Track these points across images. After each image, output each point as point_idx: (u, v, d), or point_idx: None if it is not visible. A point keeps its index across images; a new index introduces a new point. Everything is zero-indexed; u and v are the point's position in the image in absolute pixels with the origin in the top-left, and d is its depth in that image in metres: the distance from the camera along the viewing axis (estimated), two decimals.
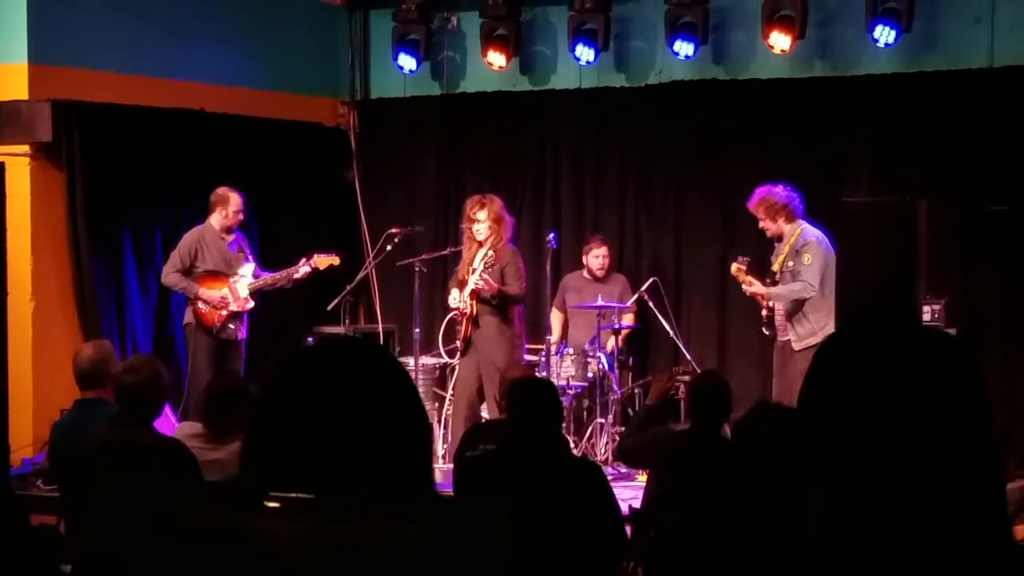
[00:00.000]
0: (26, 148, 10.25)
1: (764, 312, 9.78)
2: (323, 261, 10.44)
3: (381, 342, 11.61)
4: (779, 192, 9.63)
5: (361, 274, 11.30)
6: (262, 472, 1.69)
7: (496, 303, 9.76)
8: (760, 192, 9.71)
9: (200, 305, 10.15)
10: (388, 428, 1.77)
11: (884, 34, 10.52)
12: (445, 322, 10.82)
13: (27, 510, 6.56)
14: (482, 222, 9.84)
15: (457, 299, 9.90)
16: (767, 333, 9.86)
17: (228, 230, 10.30)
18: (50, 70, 10.30)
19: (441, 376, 11.29)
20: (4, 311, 10.20)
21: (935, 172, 10.36)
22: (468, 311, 9.82)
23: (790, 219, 9.61)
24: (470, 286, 9.78)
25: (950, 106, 10.50)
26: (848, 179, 10.82)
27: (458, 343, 10.10)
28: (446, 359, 10.98)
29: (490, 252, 9.78)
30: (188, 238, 10.26)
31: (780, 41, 10.83)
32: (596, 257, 11.23)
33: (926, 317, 9.62)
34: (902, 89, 10.70)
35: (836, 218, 9.64)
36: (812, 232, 9.59)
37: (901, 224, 8.56)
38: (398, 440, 1.78)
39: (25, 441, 9.92)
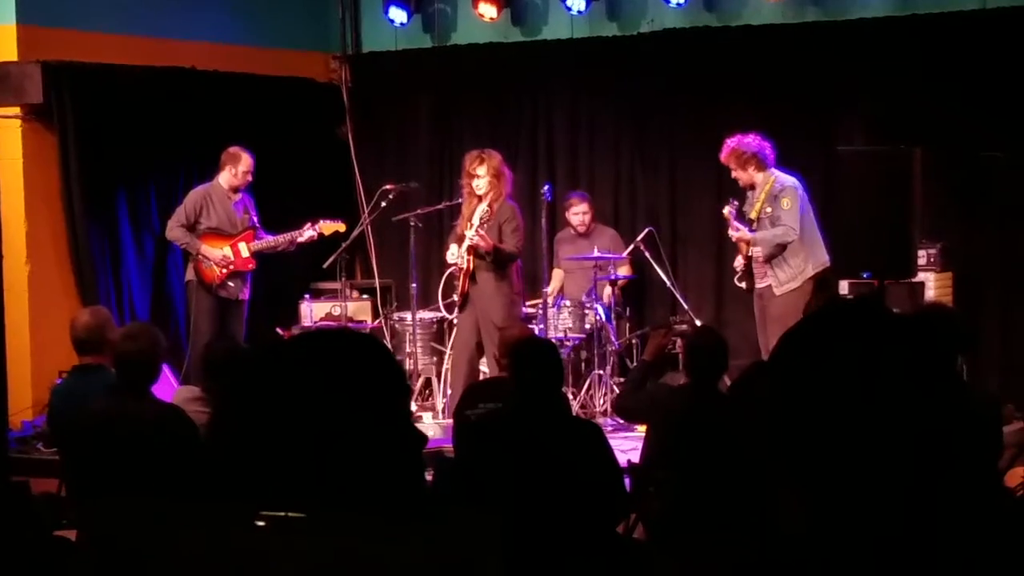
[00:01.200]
0: (17, 111, 10.21)
1: (741, 262, 9.81)
2: (328, 227, 10.44)
3: (378, 299, 11.64)
4: (749, 141, 9.65)
5: (356, 231, 11.27)
6: (239, 471, 1.69)
7: (492, 259, 9.75)
8: (730, 142, 9.73)
9: (201, 261, 10.13)
10: (372, 426, 1.77)
11: None
12: (444, 277, 10.81)
13: (23, 480, 6.59)
14: (481, 177, 9.81)
15: (455, 255, 9.88)
16: (741, 285, 9.90)
17: (235, 190, 10.27)
18: (39, 31, 10.24)
19: (439, 331, 11.31)
20: (0, 275, 10.26)
21: (929, 117, 10.32)
22: (465, 267, 9.82)
23: (761, 168, 9.65)
24: (467, 242, 9.77)
25: (943, 50, 10.45)
26: (842, 125, 10.81)
27: (455, 298, 10.11)
28: (444, 314, 10.98)
29: (485, 207, 9.76)
30: (194, 194, 10.24)
31: None
32: (576, 215, 11.20)
33: (921, 262, 9.61)
34: (895, 33, 10.65)
35: (831, 166, 9.65)
36: (787, 178, 9.66)
37: (897, 172, 8.53)
38: (383, 440, 1.78)
39: (24, 404, 9.95)
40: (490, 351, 9.62)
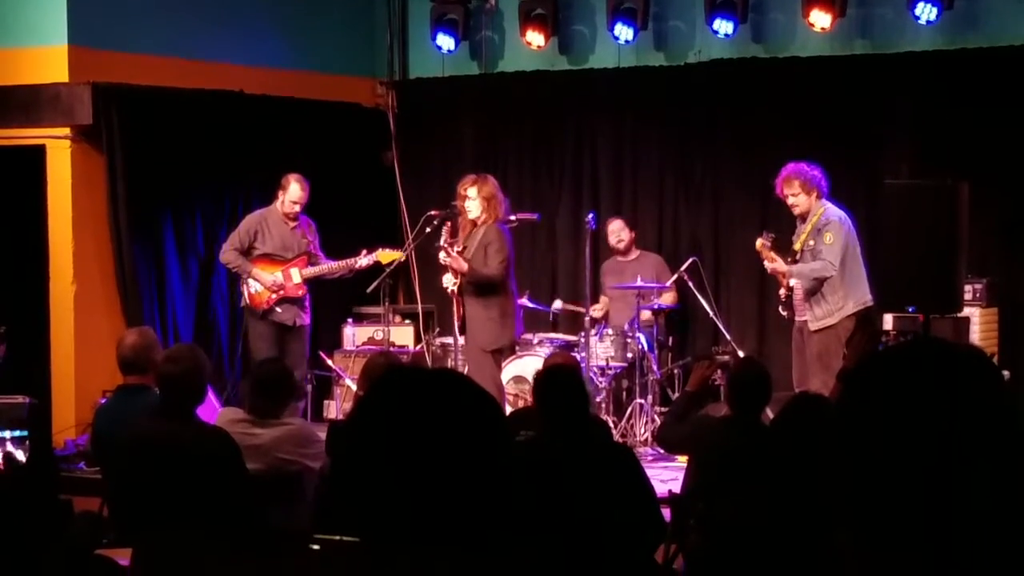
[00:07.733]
0: (67, 131, 10.31)
1: (783, 292, 9.67)
2: (386, 256, 10.30)
3: (420, 325, 11.63)
4: (807, 169, 9.50)
5: (400, 256, 11.28)
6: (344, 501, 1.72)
7: (470, 282, 9.50)
8: (791, 168, 9.51)
9: (251, 284, 10.12)
10: (466, 472, 1.81)
11: (925, 11, 10.44)
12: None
13: (67, 498, 6.62)
14: (472, 199, 9.50)
15: (450, 281, 9.71)
16: (784, 314, 9.78)
17: (289, 216, 10.24)
18: (90, 53, 10.34)
19: None
20: (47, 295, 10.35)
21: (977, 151, 10.28)
22: (456, 292, 9.62)
23: (817, 197, 9.52)
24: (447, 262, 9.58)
25: (992, 84, 10.41)
26: (889, 158, 10.75)
27: (455, 325, 9.94)
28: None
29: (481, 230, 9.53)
30: (250, 219, 10.22)
31: (820, 19, 10.78)
32: (612, 233, 11.20)
33: (967, 297, 9.53)
34: (943, 67, 10.62)
35: (877, 199, 9.58)
36: (835, 212, 9.44)
37: (943, 206, 8.49)
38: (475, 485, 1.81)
39: (68, 423, 10.03)
40: (476, 373, 9.17)
